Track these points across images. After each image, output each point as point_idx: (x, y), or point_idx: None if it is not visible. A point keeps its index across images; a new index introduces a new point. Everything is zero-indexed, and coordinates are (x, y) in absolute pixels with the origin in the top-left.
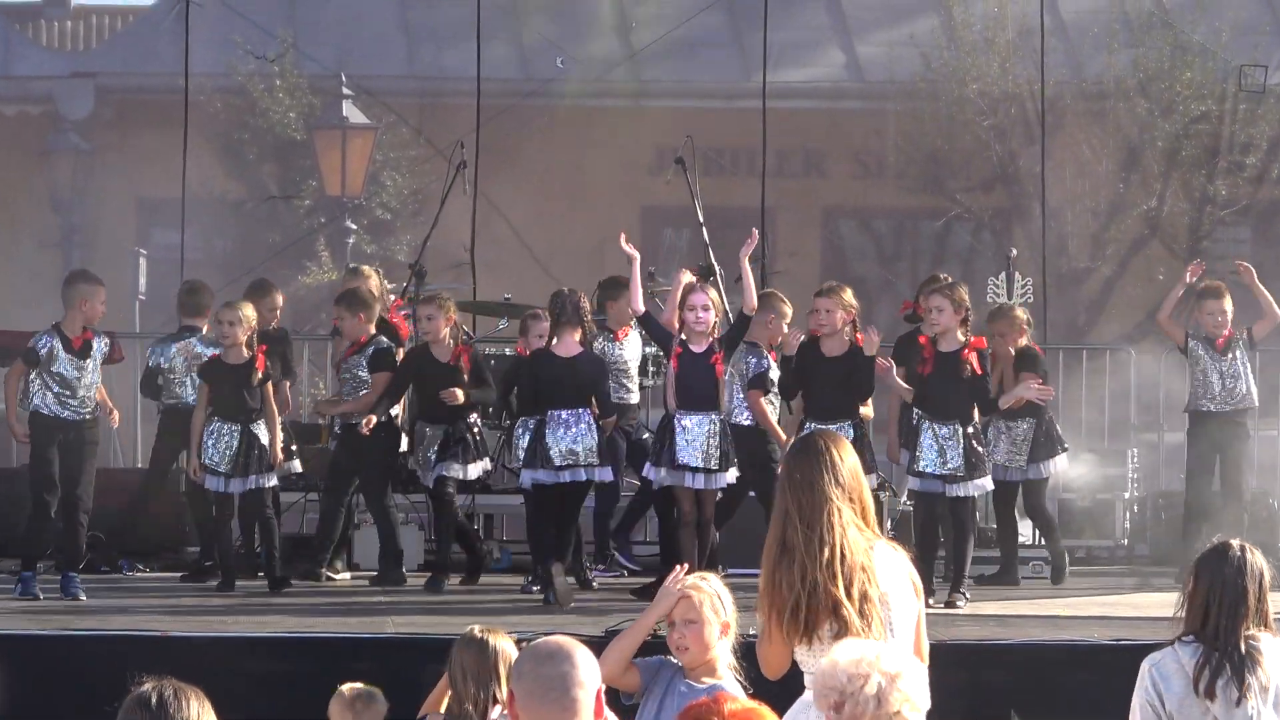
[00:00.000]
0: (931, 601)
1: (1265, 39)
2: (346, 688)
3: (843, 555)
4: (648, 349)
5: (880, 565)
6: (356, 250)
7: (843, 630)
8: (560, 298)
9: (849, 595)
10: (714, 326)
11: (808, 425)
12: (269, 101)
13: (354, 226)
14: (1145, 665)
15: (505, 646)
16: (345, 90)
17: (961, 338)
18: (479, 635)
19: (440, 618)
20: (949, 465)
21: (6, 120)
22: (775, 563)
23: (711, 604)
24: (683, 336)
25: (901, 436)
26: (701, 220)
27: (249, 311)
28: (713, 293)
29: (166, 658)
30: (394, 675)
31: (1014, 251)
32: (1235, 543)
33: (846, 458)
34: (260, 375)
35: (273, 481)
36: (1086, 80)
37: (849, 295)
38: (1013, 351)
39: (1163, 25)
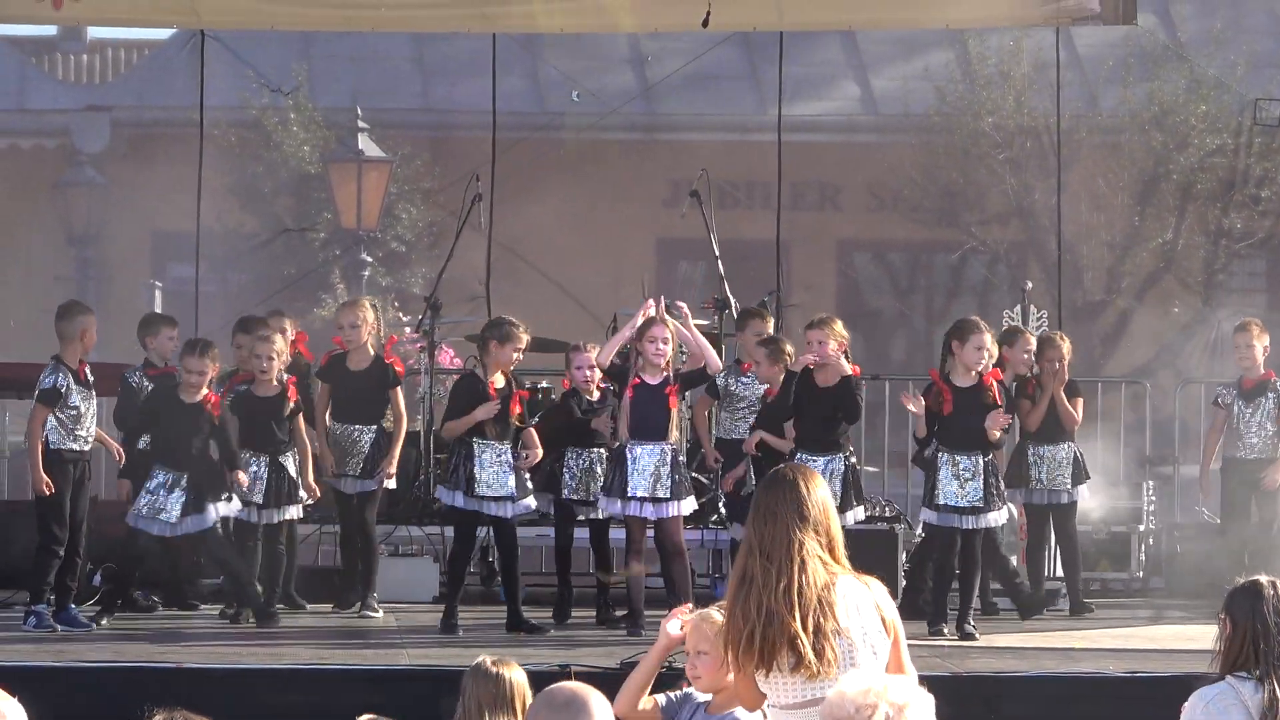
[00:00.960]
0: (947, 632)
1: None
2: (367, 719)
3: (800, 588)
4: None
5: (842, 599)
6: (372, 283)
7: (799, 663)
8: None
9: (804, 627)
10: (668, 361)
11: (799, 456)
12: (283, 135)
13: (369, 259)
14: (1197, 701)
15: (518, 678)
16: (360, 124)
17: (975, 374)
18: (491, 668)
19: (457, 650)
20: (969, 497)
21: (22, 153)
22: (734, 593)
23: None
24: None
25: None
26: (717, 253)
27: (280, 344)
28: (671, 324)
29: (182, 689)
30: (409, 708)
31: (1029, 284)
32: (1265, 579)
33: (815, 490)
34: (291, 407)
35: (297, 514)
36: (1101, 113)
37: (839, 326)
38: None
39: (1178, 59)
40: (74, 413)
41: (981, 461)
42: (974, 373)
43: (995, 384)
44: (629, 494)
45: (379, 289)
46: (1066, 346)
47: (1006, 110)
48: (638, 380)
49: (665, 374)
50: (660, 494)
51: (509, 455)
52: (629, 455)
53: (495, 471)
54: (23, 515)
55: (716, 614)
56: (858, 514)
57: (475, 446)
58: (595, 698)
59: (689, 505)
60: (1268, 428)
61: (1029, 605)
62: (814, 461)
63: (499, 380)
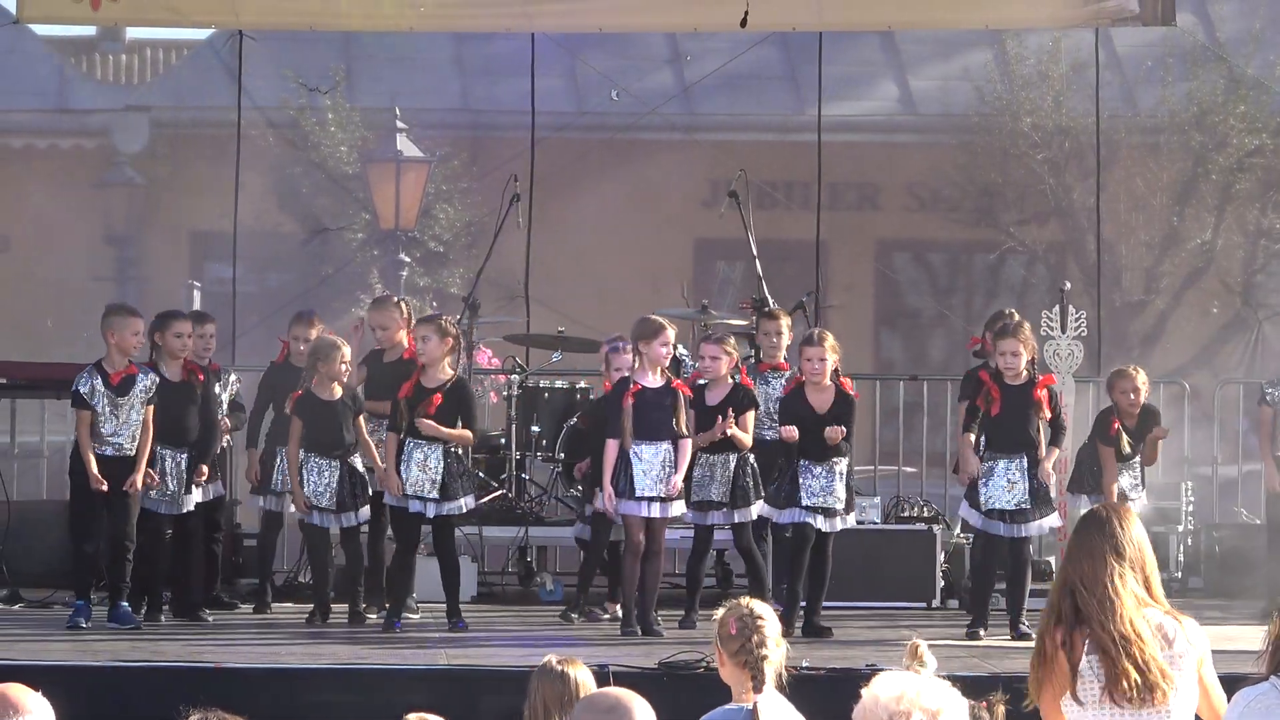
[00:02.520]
0: (983, 634)
1: None
2: (414, 717)
3: (1119, 620)
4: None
5: (1157, 634)
6: (410, 283)
7: (1134, 694)
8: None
9: (1134, 660)
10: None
11: (802, 464)
12: (321, 135)
13: (407, 259)
14: (1239, 700)
15: (583, 677)
16: (399, 124)
17: (1026, 374)
18: (557, 667)
19: (495, 649)
20: (1016, 501)
21: (61, 153)
22: (1070, 628)
23: (718, 630)
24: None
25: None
26: (755, 253)
27: (345, 348)
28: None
29: (221, 690)
30: (448, 708)
31: (1068, 285)
32: None
33: (1130, 527)
34: (355, 407)
35: (367, 515)
36: (1140, 114)
37: (833, 341)
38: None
39: (1216, 59)
40: (100, 416)
41: (1028, 464)
42: (1023, 373)
43: (1047, 390)
44: (636, 494)
45: (417, 289)
46: (1141, 379)
47: (1045, 110)
48: (637, 386)
49: (667, 376)
50: (664, 494)
51: (439, 454)
52: (634, 457)
53: (420, 471)
54: (59, 515)
55: (723, 610)
56: (849, 519)
57: (407, 445)
58: (638, 703)
59: (677, 509)
60: None
61: None
62: (813, 469)
63: (444, 372)
